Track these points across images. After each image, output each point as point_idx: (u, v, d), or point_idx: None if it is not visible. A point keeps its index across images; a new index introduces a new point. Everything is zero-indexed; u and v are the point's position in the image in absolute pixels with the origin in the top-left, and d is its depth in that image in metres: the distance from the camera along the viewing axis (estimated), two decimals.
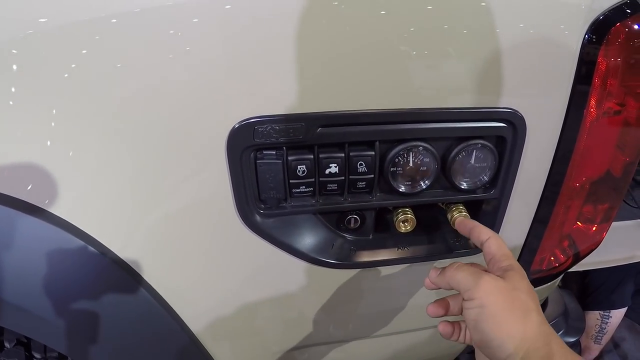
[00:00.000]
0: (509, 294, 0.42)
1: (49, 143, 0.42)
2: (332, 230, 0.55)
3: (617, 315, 1.25)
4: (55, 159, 0.43)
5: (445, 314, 0.50)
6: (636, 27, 0.50)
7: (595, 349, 1.30)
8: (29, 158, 0.43)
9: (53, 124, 0.42)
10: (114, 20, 0.39)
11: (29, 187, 0.43)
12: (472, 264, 0.48)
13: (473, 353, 0.79)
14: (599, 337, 1.28)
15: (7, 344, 0.66)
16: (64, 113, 0.41)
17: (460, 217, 0.53)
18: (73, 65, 0.40)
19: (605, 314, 1.25)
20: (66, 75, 0.40)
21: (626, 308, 1.26)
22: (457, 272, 0.45)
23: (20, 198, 0.43)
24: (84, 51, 0.39)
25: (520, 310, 0.42)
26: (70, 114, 0.41)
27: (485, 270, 0.47)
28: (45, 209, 0.44)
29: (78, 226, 0.46)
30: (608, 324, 1.25)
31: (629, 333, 1.30)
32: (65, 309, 0.49)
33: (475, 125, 0.49)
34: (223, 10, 0.40)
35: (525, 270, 0.63)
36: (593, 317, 1.26)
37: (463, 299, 0.44)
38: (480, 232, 0.49)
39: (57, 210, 0.45)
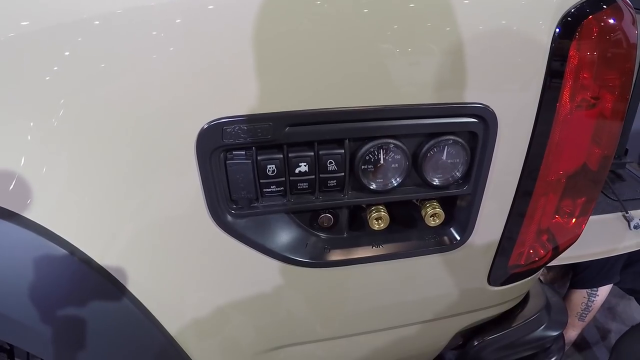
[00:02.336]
0: None
1: (25, 149, 0.42)
2: (306, 229, 0.55)
3: (603, 292, 1.26)
4: (32, 164, 0.43)
5: None
6: (609, 20, 0.50)
7: (579, 326, 1.31)
8: (7, 164, 0.42)
9: (28, 130, 0.41)
10: (82, 24, 0.38)
11: (5, 193, 0.43)
12: None
13: (459, 349, 0.79)
14: (583, 315, 1.28)
15: None
16: (38, 118, 0.41)
17: None
18: (46, 69, 0.39)
19: (593, 292, 1.26)
20: (39, 79, 0.39)
21: (612, 285, 1.26)
22: None
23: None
24: (57, 56, 0.39)
25: None
26: (45, 119, 0.41)
27: None
28: (23, 215, 0.44)
29: (54, 231, 0.45)
30: (594, 302, 1.26)
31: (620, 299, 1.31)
32: (45, 316, 0.49)
33: (445, 121, 0.49)
34: (189, 11, 0.39)
35: (503, 265, 0.64)
36: (579, 295, 1.26)
37: None
38: None
39: (34, 216, 0.44)
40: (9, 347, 0.68)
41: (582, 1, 0.48)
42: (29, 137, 0.42)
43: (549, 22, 0.47)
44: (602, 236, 0.85)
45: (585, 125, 0.56)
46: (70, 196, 0.45)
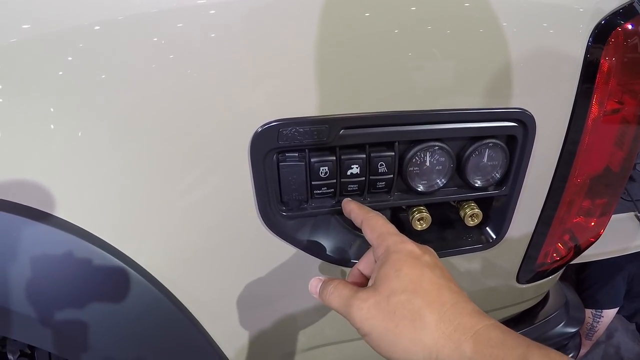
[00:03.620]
0: (386, 307, 0.36)
1: (77, 150, 0.42)
2: (351, 230, 0.56)
3: (609, 315, 1.29)
4: (79, 166, 0.43)
5: None
6: (635, 30, 0.53)
7: (587, 344, 1.34)
8: (47, 166, 0.42)
9: (77, 129, 0.41)
10: (143, 22, 0.39)
11: (47, 195, 0.43)
12: (344, 285, 0.41)
13: None
14: (589, 334, 1.32)
15: (10, 356, 0.65)
16: (86, 119, 0.41)
17: (344, 200, 0.49)
18: (97, 68, 0.39)
19: (597, 312, 1.29)
20: (93, 79, 0.40)
21: (617, 308, 1.29)
22: (329, 300, 0.41)
23: (34, 206, 0.42)
24: (107, 54, 0.39)
25: (406, 318, 0.35)
26: (91, 120, 0.41)
27: (363, 280, 0.43)
28: (63, 218, 0.44)
29: (95, 233, 0.45)
30: (599, 323, 1.29)
31: (620, 325, 1.34)
32: (78, 317, 0.49)
33: (488, 125, 0.50)
34: (247, 14, 0.40)
35: (531, 263, 0.66)
36: (585, 314, 1.29)
37: None
38: (355, 217, 0.45)
39: (76, 219, 0.44)
40: (29, 352, 0.67)
41: (610, 12, 0.51)
42: (78, 136, 0.42)
43: (583, 33, 0.49)
44: (615, 235, 0.88)
45: (610, 129, 0.59)
46: (116, 198, 0.45)
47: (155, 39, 0.39)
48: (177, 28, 0.39)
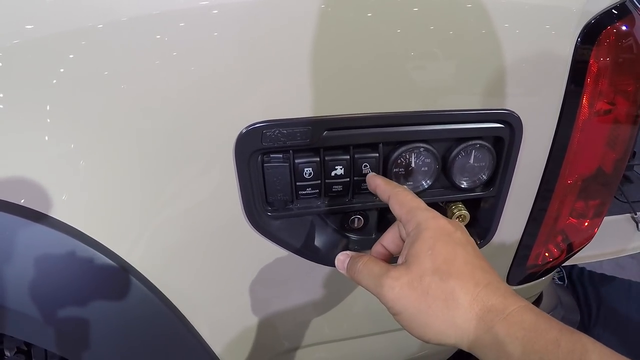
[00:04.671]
0: (419, 287, 0.36)
1: (66, 149, 0.43)
2: (337, 230, 0.56)
3: None
4: (69, 166, 0.43)
5: None
6: (625, 30, 0.53)
7: None
8: (37, 165, 0.43)
9: (59, 129, 0.42)
10: (123, 24, 0.39)
11: (34, 194, 0.44)
12: (375, 262, 0.40)
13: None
14: None
15: (7, 353, 0.66)
16: (71, 119, 0.42)
17: (369, 174, 0.47)
18: (85, 72, 0.40)
19: None
20: (73, 79, 0.40)
21: None
22: (359, 277, 0.40)
23: (25, 205, 0.43)
24: (91, 55, 0.40)
25: (439, 299, 0.35)
26: (77, 120, 0.42)
27: (387, 256, 0.42)
28: (52, 215, 0.44)
29: (84, 232, 0.46)
30: None
31: None
32: (72, 315, 0.50)
33: (474, 126, 0.50)
34: (231, 16, 0.41)
35: (521, 265, 0.66)
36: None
37: None
38: (382, 192, 0.43)
39: (66, 217, 0.45)
40: (26, 349, 0.68)
41: (600, 12, 0.50)
42: (70, 138, 0.43)
43: (571, 33, 0.49)
44: (611, 237, 0.88)
45: (601, 130, 0.59)
46: (104, 198, 0.45)
47: (142, 43, 0.40)
48: (162, 31, 0.40)
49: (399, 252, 0.44)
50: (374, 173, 0.48)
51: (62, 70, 0.40)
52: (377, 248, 0.46)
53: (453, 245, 0.38)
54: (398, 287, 0.36)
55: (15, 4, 0.38)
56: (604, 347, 0.32)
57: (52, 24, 0.38)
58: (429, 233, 0.38)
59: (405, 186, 0.51)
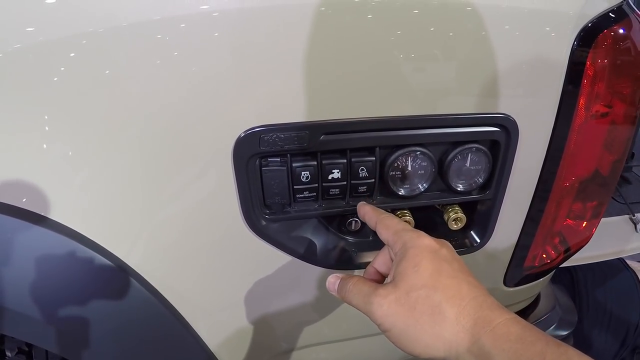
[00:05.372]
0: (406, 303, 0.37)
1: (68, 152, 0.43)
2: (335, 233, 0.57)
3: None
4: (69, 169, 0.44)
5: None
6: (622, 33, 0.53)
7: None
8: (36, 167, 0.44)
9: (63, 135, 0.43)
10: (124, 29, 0.40)
11: (32, 196, 0.44)
12: (364, 282, 0.42)
13: None
14: None
15: (8, 353, 0.67)
16: (72, 123, 0.42)
17: (359, 203, 0.49)
18: (81, 74, 0.40)
19: None
20: (72, 83, 0.41)
21: None
22: (349, 297, 0.41)
23: (24, 207, 0.44)
24: (91, 59, 0.40)
25: (426, 314, 0.36)
26: (78, 124, 0.42)
27: (379, 278, 0.44)
28: (52, 218, 0.45)
29: (84, 234, 0.47)
30: None
31: None
32: (73, 316, 0.50)
33: (470, 130, 0.51)
34: (229, 22, 0.41)
35: (518, 267, 0.67)
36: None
37: None
38: (369, 219, 0.46)
39: (66, 220, 0.45)
40: (27, 349, 0.69)
41: (597, 16, 0.51)
42: (70, 141, 0.43)
43: (567, 36, 0.49)
44: (609, 238, 0.88)
45: (598, 132, 0.59)
46: (104, 201, 0.46)
47: (142, 48, 0.40)
48: (162, 37, 0.40)
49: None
50: (363, 202, 0.50)
51: (63, 73, 0.40)
52: (369, 270, 0.47)
53: (438, 261, 0.39)
54: (386, 305, 0.37)
55: (19, 10, 0.38)
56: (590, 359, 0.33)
57: (55, 29, 0.39)
58: (415, 251, 0.39)
59: (402, 189, 0.52)
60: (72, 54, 0.39)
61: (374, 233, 0.58)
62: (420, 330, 0.36)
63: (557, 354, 0.32)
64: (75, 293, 0.49)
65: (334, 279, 0.45)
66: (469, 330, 0.35)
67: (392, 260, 0.44)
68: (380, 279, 0.46)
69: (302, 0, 0.41)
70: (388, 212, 0.57)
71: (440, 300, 0.36)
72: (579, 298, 0.98)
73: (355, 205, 0.52)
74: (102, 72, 0.40)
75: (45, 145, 0.42)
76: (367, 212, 0.47)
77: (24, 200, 0.44)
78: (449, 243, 0.43)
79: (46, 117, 0.41)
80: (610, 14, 0.52)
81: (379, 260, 0.46)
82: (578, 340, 0.94)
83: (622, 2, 0.54)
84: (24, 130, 0.41)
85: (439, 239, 0.42)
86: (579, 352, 0.33)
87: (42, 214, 0.44)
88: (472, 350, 0.34)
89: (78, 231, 0.46)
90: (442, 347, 0.36)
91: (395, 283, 0.38)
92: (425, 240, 0.41)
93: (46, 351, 0.65)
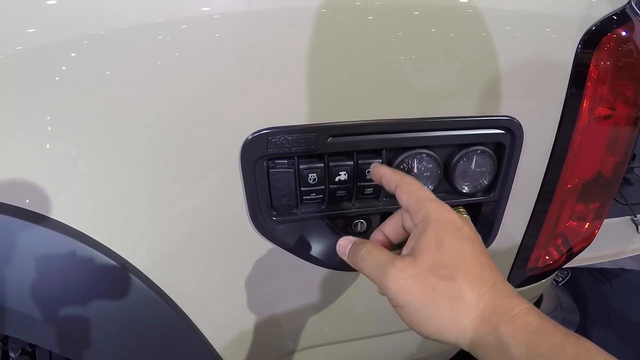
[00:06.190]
0: (425, 281, 0.34)
1: (73, 153, 0.43)
2: (340, 234, 0.57)
3: None
4: (78, 169, 0.44)
5: None
6: (625, 36, 0.53)
7: None
8: (43, 168, 0.44)
9: (70, 136, 0.43)
10: (132, 32, 0.40)
11: (39, 197, 0.44)
12: (379, 249, 0.39)
13: None
14: None
15: (12, 354, 0.67)
16: (81, 125, 0.43)
17: (373, 164, 0.46)
18: (90, 77, 0.41)
19: None
20: (88, 87, 0.41)
21: None
22: (362, 264, 0.39)
23: (28, 208, 0.44)
24: (105, 63, 0.40)
25: (445, 296, 0.34)
26: (86, 125, 0.43)
27: (387, 244, 0.41)
28: (57, 218, 0.45)
29: (91, 235, 0.47)
30: None
31: None
32: (77, 316, 0.50)
33: (475, 132, 0.51)
34: (236, 25, 0.41)
35: (521, 267, 0.67)
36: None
37: None
38: (388, 181, 0.42)
39: (71, 220, 0.46)
40: (31, 350, 0.69)
41: (601, 19, 0.51)
42: (75, 142, 0.43)
43: (572, 39, 0.50)
44: (611, 239, 0.88)
45: (601, 134, 0.59)
46: (110, 201, 0.46)
47: (149, 51, 0.41)
48: (169, 39, 0.41)
49: (399, 241, 0.44)
50: (378, 163, 0.47)
51: (68, 74, 0.40)
52: (377, 235, 0.45)
53: (462, 240, 0.37)
54: (403, 279, 0.35)
55: (22, 12, 0.39)
56: (609, 355, 0.32)
57: (60, 30, 0.39)
58: (438, 225, 0.37)
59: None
60: (79, 55, 0.40)
61: None
62: (437, 311, 0.34)
63: (577, 346, 0.31)
64: (80, 294, 0.49)
65: (345, 242, 0.42)
66: (487, 318, 0.33)
67: (404, 227, 0.42)
68: (388, 246, 0.44)
69: (309, 3, 0.41)
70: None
71: (462, 284, 0.34)
72: (581, 298, 0.99)
73: (362, 207, 0.53)
74: (109, 73, 0.41)
75: (49, 146, 0.43)
76: (385, 173, 0.43)
77: (27, 201, 0.44)
78: (469, 220, 0.41)
79: (50, 116, 0.41)
80: (614, 17, 0.53)
81: (389, 226, 0.44)
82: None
83: (625, 5, 0.55)
84: (33, 131, 0.42)
85: (461, 215, 0.40)
86: (597, 346, 0.32)
87: (46, 214, 0.45)
88: (487, 339, 0.33)
89: (85, 233, 0.46)
90: (456, 332, 0.34)
91: (415, 257, 0.36)
92: (450, 214, 0.38)
93: (50, 352, 0.66)
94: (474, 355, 0.35)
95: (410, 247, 0.38)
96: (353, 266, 0.41)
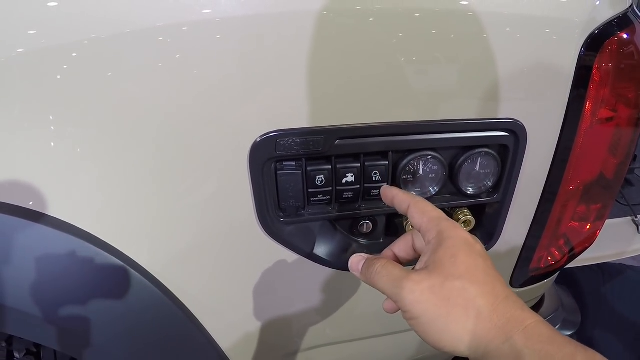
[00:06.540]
0: (440, 293, 0.36)
1: (83, 158, 0.44)
2: (347, 235, 0.58)
3: None
4: (86, 173, 0.45)
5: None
6: (628, 40, 0.54)
7: None
8: (55, 170, 0.44)
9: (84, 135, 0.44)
10: (141, 37, 0.41)
11: (53, 199, 0.45)
12: (393, 264, 0.40)
13: None
14: None
15: (16, 354, 0.67)
16: (89, 132, 0.43)
17: (383, 187, 0.47)
18: (98, 78, 0.41)
19: None
20: (97, 88, 0.41)
21: None
22: (376, 279, 0.40)
23: (41, 210, 0.45)
24: (114, 64, 0.41)
25: (460, 306, 0.35)
26: (99, 128, 0.43)
27: (414, 258, 0.41)
28: (67, 221, 0.46)
29: (99, 236, 0.47)
30: None
31: None
32: (86, 316, 0.51)
33: (479, 135, 0.52)
34: (244, 29, 0.42)
35: (524, 268, 0.68)
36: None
37: None
38: (400, 202, 0.43)
39: (81, 223, 0.46)
40: (35, 350, 0.69)
41: (604, 22, 0.52)
42: (86, 142, 0.44)
43: (575, 42, 0.50)
44: (612, 240, 0.89)
45: (603, 136, 0.60)
46: (121, 203, 0.47)
47: (160, 53, 0.41)
48: (180, 43, 0.41)
49: (409, 261, 0.45)
50: (387, 185, 0.48)
51: (70, 74, 0.41)
52: (387, 254, 0.47)
53: (475, 256, 0.38)
54: (419, 291, 0.36)
55: (26, 15, 0.39)
56: None
57: (69, 33, 0.39)
58: (452, 242, 0.38)
59: (414, 192, 0.53)
60: (84, 56, 0.40)
61: (385, 235, 0.59)
62: (452, 322, 0.35)
63: (587, 357, 0.33)
64: (90, 294, 0.50)
65: (357, 259, 0.43)
66: (501, 329, 0.34)
67: (414, 249, 0.44)
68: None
69: (314, 7, 0.42)
70: (398, 215, 0.58)
71: (475, 295, 0.35)
72: (582, 298, 0.99)
73: (368, 208, 0.53)
74: (118, 75, 0.41)
75: (67, 149, 0.43)
76: (397, 194, 0.44)
77: (35, 202, 0.44)
78: (479, 240, 0.42)
79: (56, 115, 0.42)
80: (616, 20, 0.53)
81: (399, 246, 0.45)
82: (581, 342, 0.95)
83: (627, 9, 0.55)
84: (34, 129, 0.42)
85: (471, 235, 0.41)
86: (604, 358, 0.33)
87: (55, 216, 0.45)
88: (502, 349, 0.34)
89: (93, 234, 0.47)
90: (470, 342, 0.35)
91: (430, 271, 0.37)
92: (462, 232, 0.40)
93: (55, 352, 0.66)
94: None
95: (424, 262, 0.39)
96: (366, 281, 0.42)
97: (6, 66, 0.39)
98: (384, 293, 0.40)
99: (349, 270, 0.57)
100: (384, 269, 0.40)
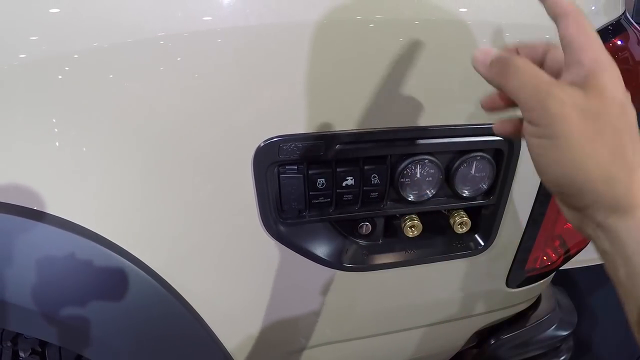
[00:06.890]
0: (592, 123, 0.28)
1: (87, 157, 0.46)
2: (346, 236, 0.59)
3: None
4: (93, 174, 0.47)
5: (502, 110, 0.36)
6: (621, 46, 0.56)
7: None
8: (65, 172, 0.46)
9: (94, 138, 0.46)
10: (149, 44, 0.42)
11: (62, 200, 0.47)
12: (536, 67, 0.31)
13: (477, 348, 0.83)
14: None
15: (22, 354, 0.68)
16: (100, 137, 0.45)
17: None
18: (105, 85, 0.43)
19: None
20: (105, 94, 0.43)
21: None
22: (514, 77, 0.31)
23: (50, 212, 0.46)
24: (116, 72, 0.43)
25: (607, 147, 0.28)
26: (109, 133, 0.45)
27: (558, 73, 0.31)
28: (75, 221, 0.47)
29: (105, 236, 0.49)
30: None
31: None
32: (93, 315, 0.52)
33: (475, 139, 0.54)
34: (248, 37, 0.43)
35: (520, 269, 0.69)
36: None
37: (523, 117, 0.31)
38: (555, 3, 0.32)
39: (87, 222, 0.48)
40: (40, 350, 0.70)
41: (598, 30, 0.54)
42: (96, 146, 0.46)
43: None
44: None
45: None
46: (128, 205, 0.49)
47: (167, 62, 0.43)
48: (186, 51, 0.43)
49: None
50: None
51: (76, 79, 0.42)
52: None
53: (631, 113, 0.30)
54: (569, 107, 0.29)
55: (31, 23, 0.41)
56: None
57: (78, 40, 0.41)
58: (615, 77, 0.30)
59: (411, 194, 0.54)
60: (91, 59, 0.42)
61: (384, 236, 0.61)
62: (601, 146, 0.28)
63: None
64: (96, 292, 0.51)
65: (485, 50, 0.34)
66: None
67: (541, 63, 0.34)
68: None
69: (317, 17, 0.44)
70: (397, 217, 0.60)
71: (628, 145, 0.29)
72: (579, 298, 0.99)
73: (367, 210, 0.55)
74: (124, 83, 0.43)
75: (69, 149, 0.45)
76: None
77: (40, 204, 0.46)
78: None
79: (64, 118, 0.43)
80: (610, 27, 0.55)
81: (525, 52, 0.35)
82: (578, 342, 0.96)
83: (620, 16, 0.57)
84: (43, 133, 0.44)
85: None
86: None
87: (61, 216, 0.47)
88: None
89: (104, 236, 0.49)
90: (618, 173, 0.28)
91: (587, 92, 0.29)
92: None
93: (59, 352, 0.67)
94: (606, 234, 0.30)
95: (579, 75, 0.29)
96: (493, 78, 0.33)
97: (10, 71, 0.41)
98: (515, 96, 0.31)
99: (349, 270, 0.59)
100: (529, 66, 0.31)
